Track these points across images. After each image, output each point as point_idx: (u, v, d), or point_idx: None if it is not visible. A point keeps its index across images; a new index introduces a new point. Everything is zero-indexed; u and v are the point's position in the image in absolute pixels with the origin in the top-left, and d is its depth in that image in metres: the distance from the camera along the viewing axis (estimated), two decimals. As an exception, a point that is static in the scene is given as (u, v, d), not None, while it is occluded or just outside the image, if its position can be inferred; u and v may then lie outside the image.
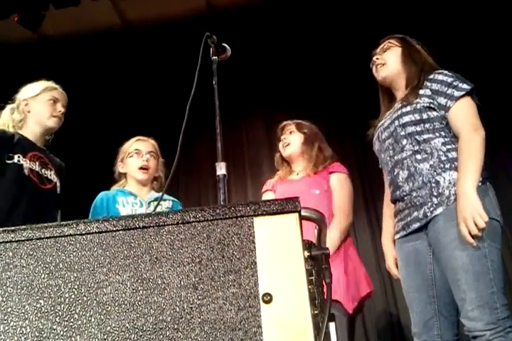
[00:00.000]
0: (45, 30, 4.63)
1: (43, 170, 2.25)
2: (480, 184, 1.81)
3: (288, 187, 2.63)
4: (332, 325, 0.94)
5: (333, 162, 2.69)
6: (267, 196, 2.73)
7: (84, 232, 0.92)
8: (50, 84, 2.40)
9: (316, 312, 0.88)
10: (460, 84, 1.92)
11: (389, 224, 2.18)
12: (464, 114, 1.90)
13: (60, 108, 2.35)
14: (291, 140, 2.74)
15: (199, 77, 1.61)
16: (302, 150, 2.70)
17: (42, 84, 2.39)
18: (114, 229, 0.92)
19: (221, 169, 1.45)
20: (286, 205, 0.89)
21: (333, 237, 2.37)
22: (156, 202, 2.43)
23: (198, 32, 1.74)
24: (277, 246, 0.87)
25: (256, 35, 4.68)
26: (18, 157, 2.17)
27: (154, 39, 4.85)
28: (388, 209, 2.20)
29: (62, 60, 4.77)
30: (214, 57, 1.68)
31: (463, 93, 1.90)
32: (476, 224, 1.69)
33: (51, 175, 2.29)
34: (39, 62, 4.71)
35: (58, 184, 2.32)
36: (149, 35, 4.85)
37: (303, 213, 0.93)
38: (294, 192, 2.46)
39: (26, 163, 2.18)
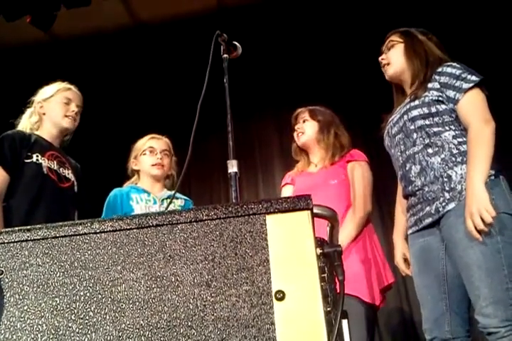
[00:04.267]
0: (56, 31, 4.66)
1: (60, 169, 2.30)
2: (493, 177, 1.79)
3: (305, 180, 2.56)
4: (345, 322, 0.94)
5: (350, 150, 2.60)
6: (286, 190, 2.66)
7: (98, 231, 0.94)
8: (64, 85, 2.44)
9: (328, 309, 0.89)
10: (469, 76, 1.89)
11: (401, 219, 2.17)
12: (473, 106, 1.87)
13: (73, 108, 2.38)
14: (305, 128, 2.64)
15: (210, 76, 1.61)
16: (318, 138, 2.60)
17: (56, 85, 2.43)
18: (128, 227, 0.93)
19: (233, 167, 1.45)
20: (298, 203, 0.90)
21: (348, 227, 2.34)
22: (169, 200, 2.44)
23: (209, 30, 1.74)
24: (290, 244, 0.88)
25: (267, 33, 4.67)
26: (37, 156, 2.22)
27: (165, 37, 4.86)
28: (400, 204, 2.19)
29: (74, 59, 4.80)
30: (225, 56, 1.69)
31: (471, 85, 1.87)
32: (482, 219, 1.67)
33: (69, 173, 2.34)
34: (51, 62, 4.75)
35: (75, 183, 2.36)
36: (160, 34, 4.87)
37: (315, 210, 0.93)
38: (311, 185, 2.44)
39: (45, 162, 2.23)
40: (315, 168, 2.62)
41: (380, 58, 2.18)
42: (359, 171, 2.52)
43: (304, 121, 2.67)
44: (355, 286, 2.20)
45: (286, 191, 2.66)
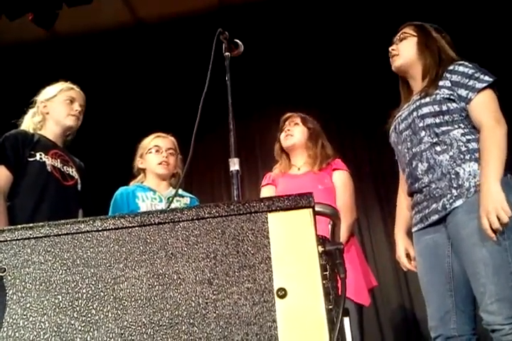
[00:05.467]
0: (58, 29, 4.67)
1: (64, 167, 2.31)
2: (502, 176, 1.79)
3: (290, 182, 2.63)
4: (346, 320, 0.94)
5: (334, 158, 2.70)
6: (267, 190, 2.72)
7: (100, 229, 0.94)
8: (67, 84, 2.46)
9: (330, 307, 0.89)
10: (482, 76, 1.89)
11: (403, 214, 2.17)
12: (486, 106, 1.87)
13: (76, 107, 2.40)
14: (296, 132, 2.72)
15: (212, 74, 1.61)
16: (306, 145, 2.70)
17: (59, 85, 2.45)
18: (130, 225, 0.93)
19: (234, 165, 1.46)
20: (300, 201, 0.90)
21: (341, 233, 2.42)
22: (174, 198, 2.45)
23: (211, 28, 1.74)
24: (291, 242, 0.88)
25: (269, 31, 4.66)
26: (40, 155, 2.24)
27: (167, 35, 4.86)
28: (402, 199, 2.19)
29: (75, 58, 4.80)
30: (226, 54, 1.69)
31: (485, 85, 1.87)
32: (498, 219, 1.67)
33: (72, 171, 2.35)
34: (53, 60, 4.75)
35: (79, 181, 2.37)
36: (162, 32, 4.86)
37: (317, 208, 0.93)
38: (299, 187, 2.46)
39: (48, 160, 2.25)
40: (298, 171, 2.68)
41: (390, 48, 2.15)
42: (345, 181, 2.63)
43: (294, 125, 2.74)
44: (348, 289, 2.28)
45: (267, 191, 2.71)
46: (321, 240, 0.93)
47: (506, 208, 1.67)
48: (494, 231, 1.69)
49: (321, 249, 0.90)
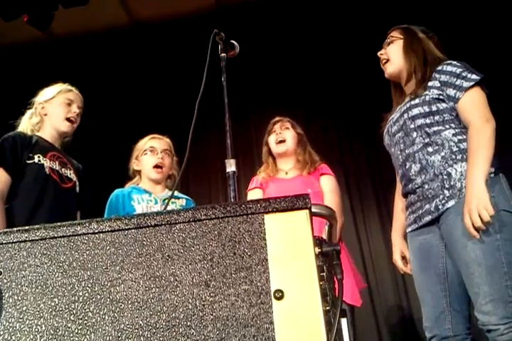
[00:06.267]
0: (54, 30, 4.66)
1: (62, 170, 2.31)
2: (492, 175, 1.79)
3: (282, 186, 2.67)
4: (344, 321, 0.94)
5: (321, 163, 2.77)
6: (255, 193, 2.75)
7: (96, 231, 0.93)
8: (65, 86, 2.45)
9: (327, 308, 0.89)
10: (469, 75, 1.90)
11: (399, 218, 2.17)
12: (474, 104, 1.87)
13: (74, 109, 2.40)
14: (287, 136, 2.78)
15: (208, 75, 1.61)
16: (297, 150, 2.77)
17: (57, 87, 2.44)
18: (127, 227, 0.93)
19: (231, 166, 1.46)
20: (297, 202, 0.90)
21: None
22: (170, 200, 2.45)
23: (207, 29, 1.74)
24: (288, 243, 0.87)
25: (265, 32, 4.66)
26: (39, 157, 2.23)
27: (163, 36, 4.85)
28: (399, 203, 2.19)
29: (72, 59, 4.79)
30: (222, 55, 1.69)
31: (472, 83, 1.88)
32: (480, 217, 1.67)
33: (71, 174, 2.35)
34: (49, 61, 4.74)
35: (77, 183, 2.36)
36: (158, 33, 4.86)
37: (313, 209, 0.93)
38: (290, 190, 2.49)
39: (47, 163, 2.24)
40: (286, 175, 2.74)
41: (378, 53, 2.18)
42: (332, 185, 2.70)
43: (285, 129, 2.81)
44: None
45: (255, 195, 2.75)
46: (318, 241, 0.93)
47: (488, 206, 1.67)
48: (477, 229, 1.69)
49: (317, 250, 0.90)
